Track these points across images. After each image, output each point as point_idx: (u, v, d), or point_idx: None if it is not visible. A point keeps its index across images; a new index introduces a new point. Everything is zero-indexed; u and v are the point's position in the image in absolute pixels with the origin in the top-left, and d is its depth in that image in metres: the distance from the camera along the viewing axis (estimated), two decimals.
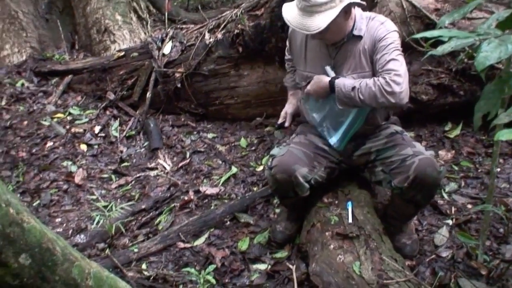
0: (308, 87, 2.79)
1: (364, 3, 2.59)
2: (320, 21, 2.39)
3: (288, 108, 3.21)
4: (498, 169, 2.44)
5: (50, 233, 1.63)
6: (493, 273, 2.63)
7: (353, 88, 2.54)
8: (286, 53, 3.20)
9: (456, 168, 3.71)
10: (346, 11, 2.51)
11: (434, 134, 4.22)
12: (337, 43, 2.71)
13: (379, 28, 2.61)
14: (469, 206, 3.31)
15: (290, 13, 2.52)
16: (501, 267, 2.66)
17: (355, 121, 2.77)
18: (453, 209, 3.28)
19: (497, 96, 1.25)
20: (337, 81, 2.61)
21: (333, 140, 2.86)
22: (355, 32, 2.64)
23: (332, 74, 2.70)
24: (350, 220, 2.75)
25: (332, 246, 2.61)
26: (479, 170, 3.66)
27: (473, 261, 2.76)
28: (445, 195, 3.42)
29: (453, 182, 3.55)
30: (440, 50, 1.29)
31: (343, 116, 2.80)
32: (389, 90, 2.44)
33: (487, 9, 3.97)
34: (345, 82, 2.59)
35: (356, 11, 2.67)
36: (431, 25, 3.93)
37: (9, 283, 1.50)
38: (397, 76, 2.45)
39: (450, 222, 3.17)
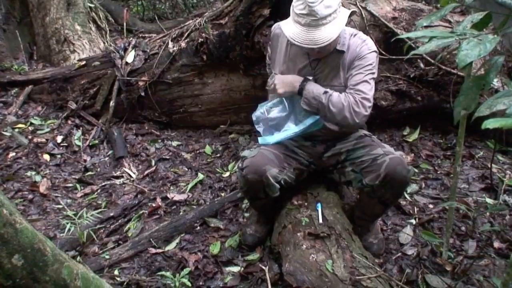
0: (278, 80, 2.79)
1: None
2: (329, 32, 2.41)
3: None
4: (459, 169, 2.56)
5: (40, 234, 1.64)
6: (457, 268, 2.75)
7: (325, 92, 2.62)
8: (267, 59, 3.18)
9: (416, 170, 3.84)
10: None
11: (393, 138, 4.36)
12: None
13: (361, 46, 2.68)
14: (431, 206, 3.45)
15: (291, 31, 2.49)
16: (465, 263, 2.79)
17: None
18: (415, 209, 3.41)
19: (476, 92, 1.35)
20: (310, 82, 2.69)
21: (267, 139, 2.89)
22: (339, 47, 2.69)
23: None
24: (320, 221, 2.82)
25: (304, 246, 2.67)
26: (438, 172, 3.82)
27: (438, 258, 2.87)
28: (407, 196, 3.55)
29: (414, 184, 3.69)
30: (422, 49, 1.37)
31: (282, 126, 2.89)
32: (356, 110, 2.57)
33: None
34: (317, 86, 2.68)
35: None
36: (389, 33, 4.07)
37: (2, 283, 1.50)
38: (366, 100, 2.59)
39: (413, 221, 3.30)
